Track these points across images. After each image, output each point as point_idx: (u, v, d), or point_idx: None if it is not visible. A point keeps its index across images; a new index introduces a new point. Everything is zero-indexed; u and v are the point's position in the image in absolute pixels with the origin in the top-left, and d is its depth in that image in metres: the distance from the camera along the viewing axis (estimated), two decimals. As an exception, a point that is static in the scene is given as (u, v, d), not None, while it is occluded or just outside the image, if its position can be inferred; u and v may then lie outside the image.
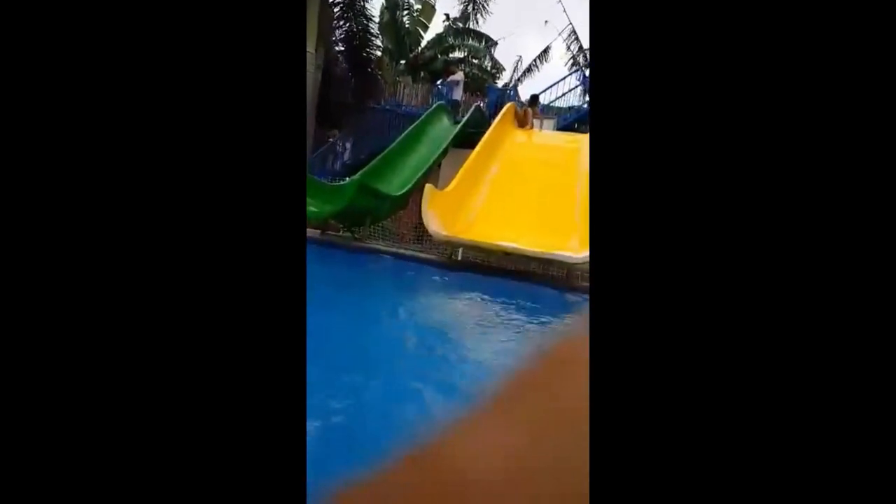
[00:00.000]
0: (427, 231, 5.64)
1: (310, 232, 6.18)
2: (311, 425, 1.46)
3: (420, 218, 6.72)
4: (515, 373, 0.13)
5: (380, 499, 0.11)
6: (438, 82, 10.31)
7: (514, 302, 3.80)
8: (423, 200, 5.68)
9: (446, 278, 4.81)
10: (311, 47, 7.17)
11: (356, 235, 6.35)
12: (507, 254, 5.39)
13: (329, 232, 6.29)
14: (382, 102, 9.72)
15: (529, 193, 5.57)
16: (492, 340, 2.86)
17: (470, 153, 6.63)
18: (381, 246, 6.34)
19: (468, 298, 4.03)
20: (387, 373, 2.18)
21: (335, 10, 8.23)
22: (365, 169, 6.60)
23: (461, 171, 6.27)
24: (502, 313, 3.61)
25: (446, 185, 6.15)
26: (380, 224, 6.92)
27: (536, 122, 7.55)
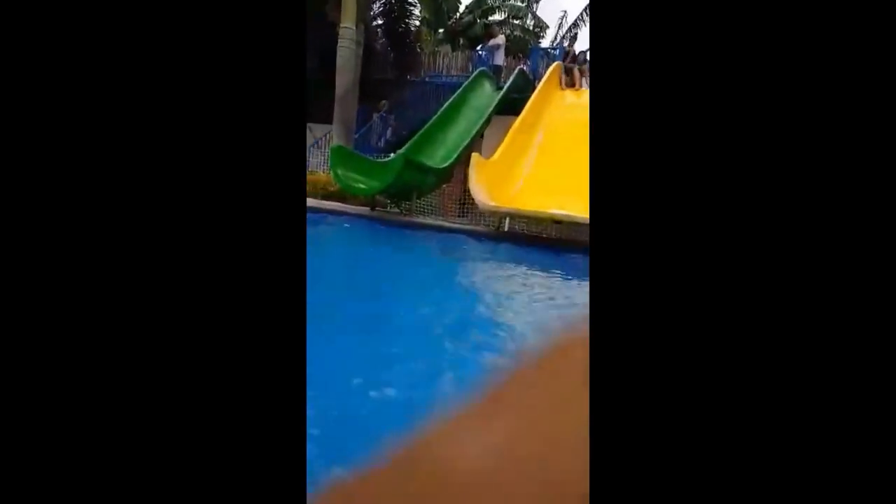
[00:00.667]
0: (473, 202, 5.59)
1: (359, 209, 6.34)
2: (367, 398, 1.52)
3: (464, 191, 6.65)
4: (512, 368, 0.13)
5: (370, 495, 0.11)
6: (478, 48, 9.96)
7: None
8: (469, 170, 5.60)
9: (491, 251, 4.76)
10: (351, 24, 7.15)
11: (403, 211, 6.43)
12: (558, 222, 5.23)
13: (378, 208, 6.41)
14: (423, 74, 9.58)
15: (579, 157, 5.33)
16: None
17: (515, 120, 6.42)
18: (428, 220, 6.38)
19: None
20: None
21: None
22: (409, 143, 6.60)
23: (507, 139, 6.10)
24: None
25: (490, 153, 6.02)
26: (425, 199, 6.94)
27: (584, 80, 7.13)
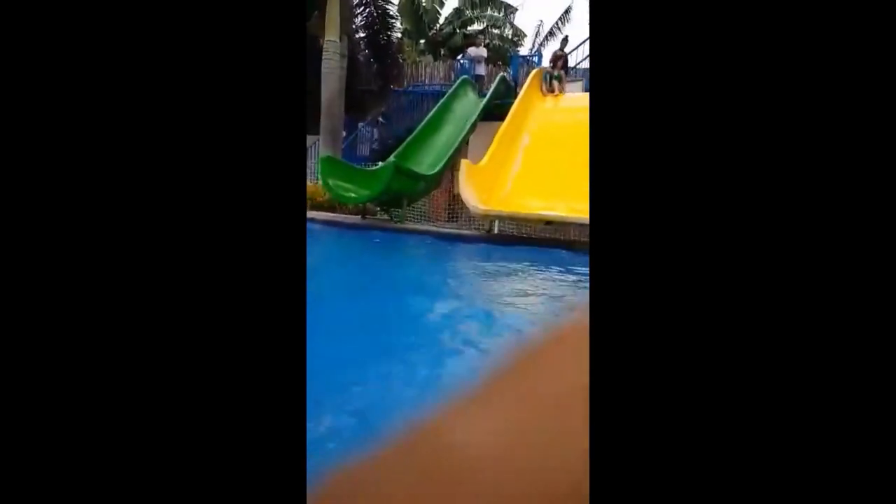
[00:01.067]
0: (461, 207, 5.69)
1: (351, 218, 6.38)
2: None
3: (452, 196, 6.74)
4: (514, 354, 0.13)
5: (373, 481, 0.11)
6: (459, 57, 10.17)
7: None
8: (460, 176, 5.71)
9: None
10: (334, 37, 7.25)
11: (394, 218, 6.48)
12: (548, 222, 5.38)
13: (368, 216, 6.46)
14: (405, 84, 9.72)
15: (563, 159, 5.50)
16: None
17: (498, 125, 6.58)
18: (419, 226, 6.46)
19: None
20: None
21: (354, -4, 8.24)
22: (397, 151, 6.67)
23: (494, 143, 6.24)
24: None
25: (476, 158, 6.14)
26: (414, 205, 7.02)
27: (558, 83, 7.32)
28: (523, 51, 11.87)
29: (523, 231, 5.86)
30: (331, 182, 6.08)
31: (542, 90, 7.31)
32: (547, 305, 2.92)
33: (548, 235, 5.51)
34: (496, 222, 5.88)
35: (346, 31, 7.65)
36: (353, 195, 6.09)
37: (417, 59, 10.98)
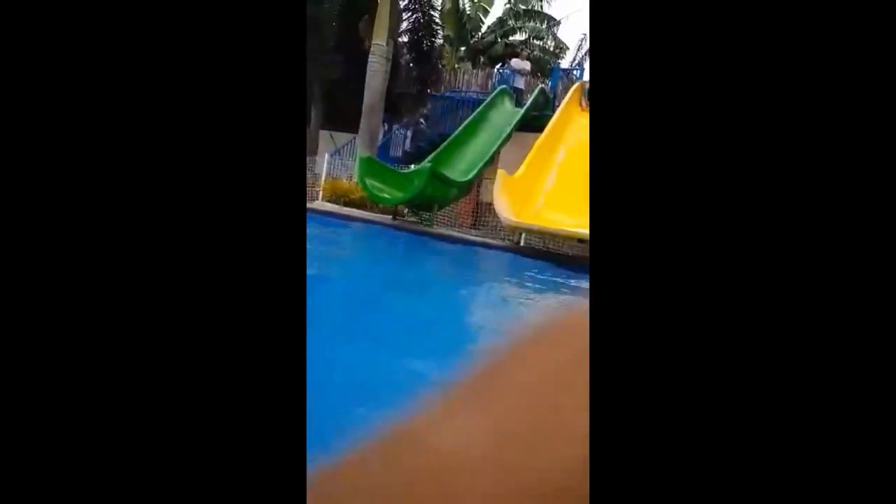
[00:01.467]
0: (490, 215, 5.73)
1: (380, 217, 6.51)
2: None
3: (477, 204, 6.77)
4: (513, 354, 0.13)
5: (360, 477, 0.11)
6: (498, 66, 10.25)
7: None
8: (495, 186, 5.77)
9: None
10: (382, 41, 7.43)
11: (423, 222, 6.58)
12: (582, 240, 5.37)
13: (398, 217, 6.59)
14: (443, 90, 9.85)
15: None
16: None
17: (532, 136, 6.60)
18: (452, 232, 6.54)
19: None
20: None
21: (403, 1, 8.42)
22: (433, 156, 6.77)
23: (530, 156, 6.27)
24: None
25: (507, 169, 6.18)
26: (441, 211, 7.10)
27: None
28: (564, 64, 11.87)
29: (549, 246, 5.87)
30: (367, 182, 6.22)
31: (581, 105, 7.32)
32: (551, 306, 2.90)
33: (573, 253, 5.51)
34: (523, 235, 5.91)
35: (393, 35, 7.82)
36: (387, 196, 6.22)
37: (457, 65, 11.11)
